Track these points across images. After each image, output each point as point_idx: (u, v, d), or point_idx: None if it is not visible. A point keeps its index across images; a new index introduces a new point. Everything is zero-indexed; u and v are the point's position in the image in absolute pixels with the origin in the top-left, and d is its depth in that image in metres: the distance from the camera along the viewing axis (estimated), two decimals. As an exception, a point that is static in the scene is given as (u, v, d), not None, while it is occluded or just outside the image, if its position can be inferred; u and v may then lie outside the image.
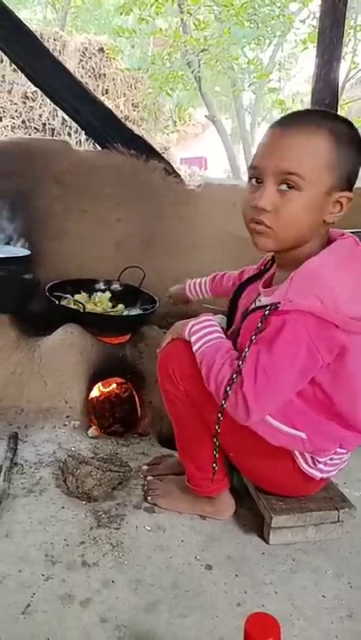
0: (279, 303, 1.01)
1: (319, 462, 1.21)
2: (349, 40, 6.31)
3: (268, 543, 1.28)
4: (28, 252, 2.07)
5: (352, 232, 1.17)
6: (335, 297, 0.97)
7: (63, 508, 1.36)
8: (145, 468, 1.53)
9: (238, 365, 1.05)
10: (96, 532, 1.28)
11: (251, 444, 1.19)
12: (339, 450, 1.20)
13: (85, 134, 3.13)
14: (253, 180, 1.09)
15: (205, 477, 1.29)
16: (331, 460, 1.22)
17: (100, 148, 2.61)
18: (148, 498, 1.40)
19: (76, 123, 2.75)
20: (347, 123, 1.05)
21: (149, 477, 1.48)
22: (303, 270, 1.02)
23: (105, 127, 2.54)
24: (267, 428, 1.13)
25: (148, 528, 1.31)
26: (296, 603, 1.12)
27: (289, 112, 1.15)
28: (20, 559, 1.18)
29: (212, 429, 1.18)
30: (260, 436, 1.14)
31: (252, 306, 1.21)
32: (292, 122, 1.05)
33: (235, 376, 1.05)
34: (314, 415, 1.14)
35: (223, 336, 1.20)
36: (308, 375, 1.06)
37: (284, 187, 1.02)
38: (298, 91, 9.44)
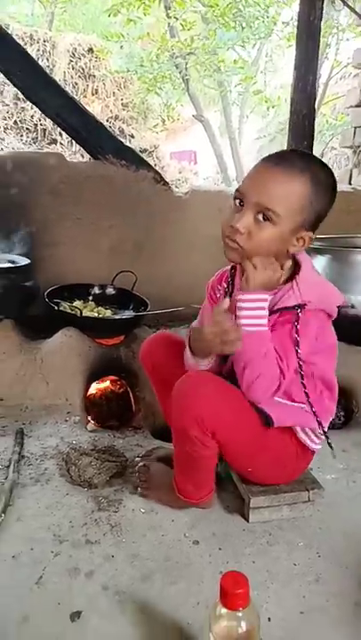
0: (306, 303, 1.22)
1: (320, 434, 1.41)
2: (332, 38, 6.41)
3: (248, 521, 1.43)
4: (28, 261, 2.22)
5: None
6: (329, 294, 1.30)
7: (67, 494, 1.52)
8: (138, 460, 1.63)
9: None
10: (97, 514, 1.44)
11: (265, 452, 1.38)
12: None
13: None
14: (237, 202, 1.23)
15: (200, 492, 1.43)
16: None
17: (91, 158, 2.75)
18: (138, 489, 1.52)
19: (68, 134, 2.87)
20: (326, 169, 1.21)
21: (139, 465, 1.57)
22: (303, 277, 1.25)
23: (96, 139, 2.67)
24: (285, 409, 1.33)
25: (143, 510, 1.47)
26: (271, 570, 1.27)
27: (277, 151, 1.29)
28: (32, 539, 1.34)
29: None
30: (274, 443, 1.37)
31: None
32: (280, 162, 1.19)
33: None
34: (316, 391, 1.35)
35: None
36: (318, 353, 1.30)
37: (260, 217, 1.19)
38: (283, 83, 9.49)
